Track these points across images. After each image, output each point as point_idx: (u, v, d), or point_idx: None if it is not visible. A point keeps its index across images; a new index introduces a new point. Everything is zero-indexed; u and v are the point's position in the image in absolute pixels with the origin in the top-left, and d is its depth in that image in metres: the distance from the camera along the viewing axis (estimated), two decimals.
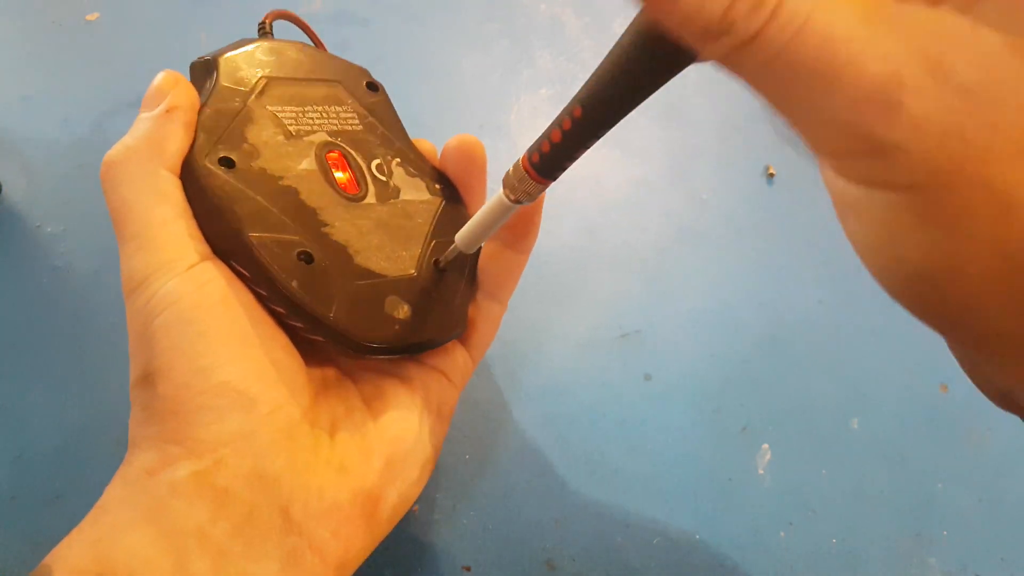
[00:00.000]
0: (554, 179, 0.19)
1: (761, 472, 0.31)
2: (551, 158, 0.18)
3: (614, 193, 0.39)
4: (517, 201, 0.20)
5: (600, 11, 0.48)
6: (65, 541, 0.17)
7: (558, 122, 0.17)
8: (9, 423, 0.30)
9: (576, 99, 0.16)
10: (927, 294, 0.13)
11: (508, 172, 0.19)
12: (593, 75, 0.16)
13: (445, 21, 0.46)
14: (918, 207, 0.12)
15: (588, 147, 0.17)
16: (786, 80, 0.12)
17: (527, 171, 0.18)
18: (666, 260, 0.37)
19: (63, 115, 0.40)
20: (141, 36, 0.43)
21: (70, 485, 0.29)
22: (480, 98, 0.43)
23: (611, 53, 0.15)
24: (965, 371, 0.18)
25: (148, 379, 0.18)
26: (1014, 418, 0.33)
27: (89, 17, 0.44)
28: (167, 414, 0.18)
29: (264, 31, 0.27)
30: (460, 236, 0.22)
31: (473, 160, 0.25)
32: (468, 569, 0.28)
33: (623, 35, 0.15)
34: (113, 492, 0.18)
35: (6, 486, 0.29)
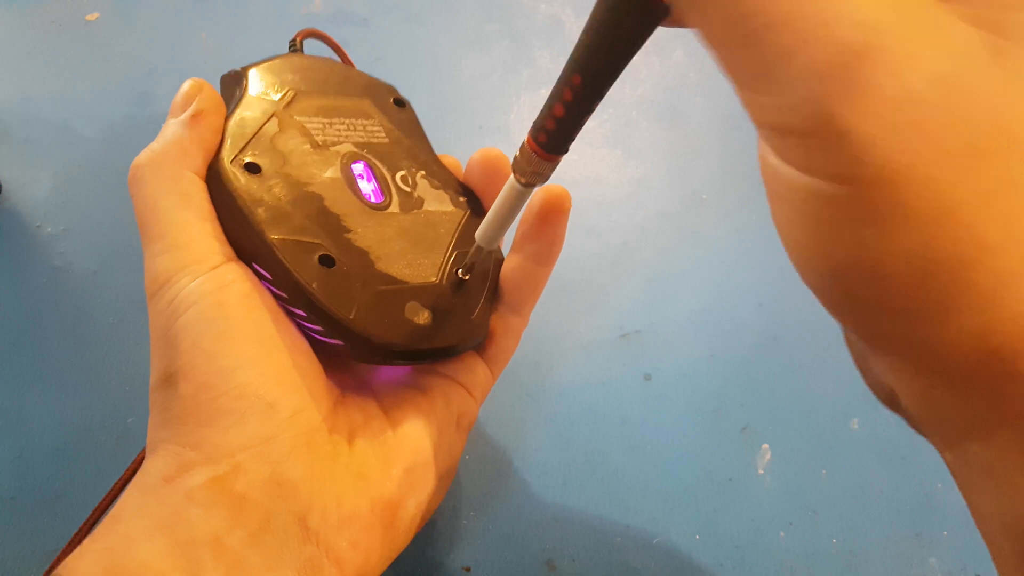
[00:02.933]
0: (564, 153, 0.19)
1: (761, 472, 0.31)
2: (558, 132, 0.18)
3: (614, 193, 0.39)
4: (529, 184, 0.20)
5: None
6: (78, 551, 0.16)
7: (557, 95, 0.17)
8: (9, 423, 0.30)
9: (570, 69, 0.17)
10: (842, 291, 0.12)
11: (516, 156, 0.19)
12: (581, 40, 0.16)
13: (445, 21, 0.46)
14: (855, 202, 0.11)
15: (592, 112, 0.17)
16: (741, 28, 0.11)
17: (535, 151, 0.18)
18: (666, 260, 0.37)
19: (63, 115, 0.40)
20: (141, 36, 0.43)
21: (70, 485, 0.29)
22: (480, 98, 0.43)
23: (594, 13, 0.15)
24: (856, 366, 0.18)
25: (169, 379, 0.18)
26: None
27: (89, 17, 0.44)
28: (186, 416, 0.17)
29: (294, 48, 0.28)
30: (480, 232, 0.22)
31: (497, 172, 0.25)
32: (468, 569, 0.28)
33: None
34: (129, 501, 0.17)
35: (6, 486, 0.29)
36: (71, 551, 0.18)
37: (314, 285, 0.20)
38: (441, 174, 0.26)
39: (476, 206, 0.26)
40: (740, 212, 0.39)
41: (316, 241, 0.21)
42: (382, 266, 0.22)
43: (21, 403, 0.31)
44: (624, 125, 0.41)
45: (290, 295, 0.20)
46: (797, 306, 0.36)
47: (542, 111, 0.18)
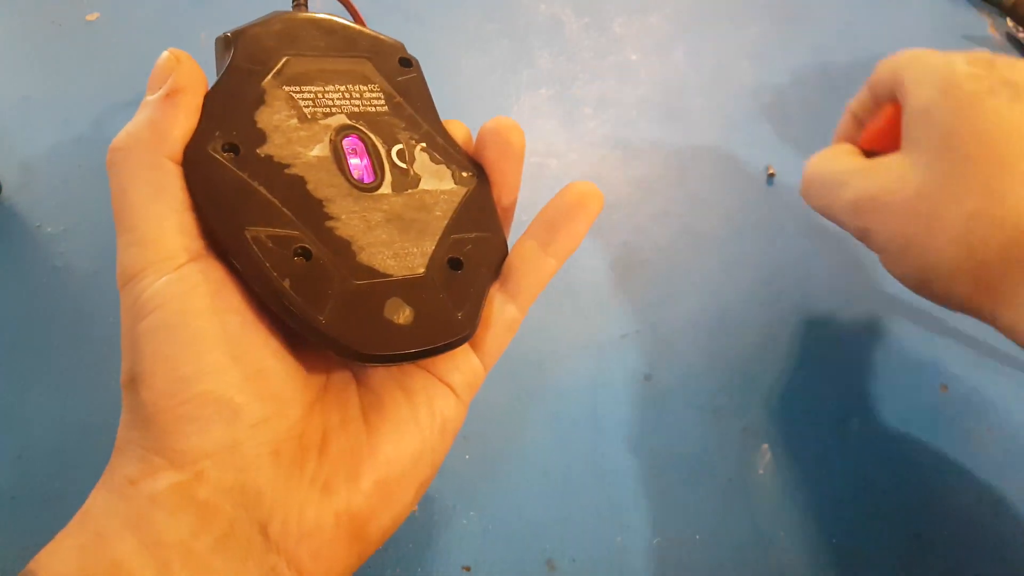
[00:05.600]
0: None
1: (761, 472, 0.31)
2: None
3: (614, 193, 0.39)
4: None
5: (600, 11, 0.48)
6: (49, 547, 0.16)
7: None
8: (9, 423, 0.30)
9: None
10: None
11: None
12: None
13: (445, 21, 0.46)
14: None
15: None
16: (919, 284, 0.27)
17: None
18: (666, 260, 0.37)
19: (63, 115, 0.40)
20: (141, 36, 0.43)
21: (70, 485, 0.29)
22: (480, 98, 0.43)
23: None
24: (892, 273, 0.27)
25: (132, 383, 0.18)
26: (1015, 418, 0.33)
27: (89, 17, 0.44)
28: (149, 421, 0.17)
29: (298, 2, 0.26)
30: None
31: (509, 145, 0.23)
32: (468, 569, 0.28)
33: None
34: (97, 499, 0.17)
35: (6, 486, 0.29)
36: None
37: (286, 283, 0.18)
38: (443, 146, 0.24)
39: (480, 183, 0.23)
40: (740, 212, 0.39)
41: (293, 233, 0.19)
42: (364, 257, 0.20)
43: (21, 403, 0.31)
44: (624, 125, 0.41)
45: (262, 293, 0.19)
46: (797, 306, 0.36)
47: None
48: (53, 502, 0.28)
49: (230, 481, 0.17)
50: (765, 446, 0.31)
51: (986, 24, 0.48)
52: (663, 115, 0.42)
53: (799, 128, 0.42)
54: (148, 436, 0.17)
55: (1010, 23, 0.47)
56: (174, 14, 0.44)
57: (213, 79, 0.21)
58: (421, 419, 0.21)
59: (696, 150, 0.41)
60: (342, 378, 0.21)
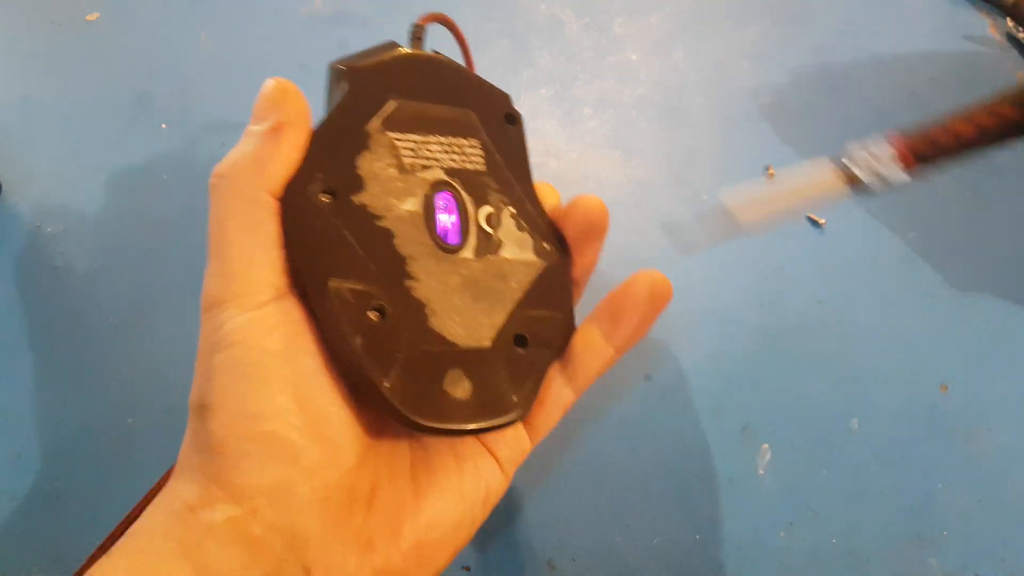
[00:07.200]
0: (923, 172, 0.18)
1: (761, 472, 0.31)
2: (948, 152, 0.16)
3: (614, 193, 0.39)
4: (858, 185, 0.18)
5: (600, 11, 0.48)
6: (102, 563, 0.17)
7: (968, 118, 0.16)
8: (9, 423, 0.30)
9: (1008, 100, 0.15)
10: None
11: (857, 149, 0.18)
12: None
13: None
14: None
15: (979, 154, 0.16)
16: None
17: (904, 155, 0.17)
18: (666, 260, 0.37)
19: (63, 115, 0.40)
20: (141, 36, 0.43)
21: (70, 485, 0.29)
22: None
23: None
24: None
25: (201, 410, 0.18)
26: (1014, 418, 0.33)
27: (89, 17, 0.44)
28: (213, 450, 0.18)
29: (416, 36, 0.25)
30: (736, 197, 0.20)
31: (593, 225, 0.23)
32: (468, 569, 0.28)
33: None
34: (154, 519, 0.18)
35: (6, 486, 0.29)
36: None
37: (358, 341, 0.19)
38: (531, 213, 0.23)
39: (560, 257, 0.23)
40: None
41: (372, 289, 0.20)
42: (435, 323, 0.20)
43: (21, 403, 0.31)
44: (624, 125, 0.41)
45: (334, 346, 0.19)
46: (797, 306, 0.36)
47: (939, 122, 0.16)
48: (53, 502, 0.28)
49: (282, 521, 0.17)
50: (765, 446, 0.31)
51: (986, 24, 0.48)
52: (663, 115, 0.42)
53: (799, 128, 0.42)
54: (210, 465, 0.18)
55: (1010, 23, 0.47)
56: (174, 14, 0.44)
57: (317, 101, 0.22)
58: (466, 488, 0.21)
59: (696, 150, 0.41)
60: (396, 428, 0.22)
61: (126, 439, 0.30)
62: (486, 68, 0.45)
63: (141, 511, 0.26)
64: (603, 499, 0.30)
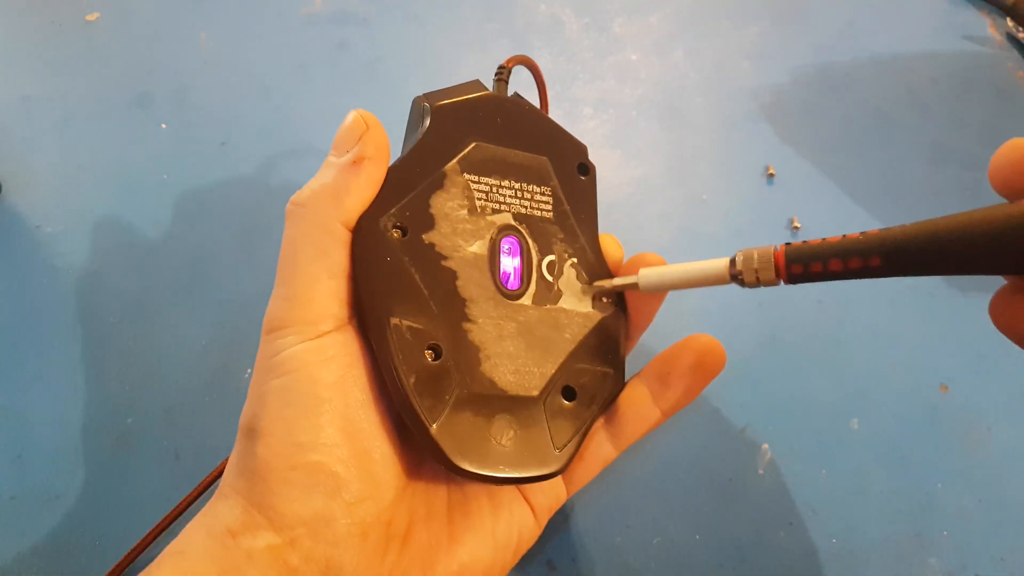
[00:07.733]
0: (789, 283, 0.19)
1: (761, 472, 0.31)
2: (817, 276, 0.18)
3: (614, 193, 0.39)
4: (742, 282, 0.20)
5: (600, 11, 0.48)
6: None
7: (857, 251, 0.17)
8: (9, 423, 0.30)
9: (894, 244, 0.16)
10: None
11: (750, 252, 0.19)
12: (925, 230, 0.16)
13: (445, 21, 0.46)
14: None
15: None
16: None
17: (780, 268, 0.19)
18: (666, 260, 0.37)
19: (63, 115, 0.40)
20: (141, 36, 0.43)
21: (70, 485, 0.29)
22: None
23: (963, 223, 0.15)
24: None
25: (251, 434, 0.19)
26: (1014, 418, 0.33)
27: (89, 17, 0.44)
28: (258, 475, 0.18)
29: (501, 78, 0.26)
30: (646, 273, 0.21)
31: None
32: None
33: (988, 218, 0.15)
34: (195, 540, 0.18)
35: (6, 486, 0.29)
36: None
37: (412, 380, 0.19)
38: (594, 265, 0.24)
39: (617, 312, 0.24)
40: (740, 212, 0.39)
41: (430, 329, 0.20)
42: (487, 368, 0.21)
43: (21, 403, 0.31)
44: (624, 125, 0.41)
45: (388, 383, 0.19)
46: (797, 306, 0.36)
47: (826, 245, 0.18)
48: (53, 502, 0.28)
49: (319, 553, 0.18)
50: (765, 446, 0.31)
51: (986, 24, 0.48)
52: (663, 115, 0.42)
53: (799, 128, 0.42)
54: (254, 490, 0.18)
55: (1010, 23, 0.47)
56: (174, 14, 0.44)
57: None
58: (499, 534, 0.21)
59: (696, 150, 0.41)
60: (435, 467, 0.22)
61: (126, 439, 0.30)
62: (486, 68, 0.45)
63: (188, 505, 0.27)
64: (603, 499, 0.30)
